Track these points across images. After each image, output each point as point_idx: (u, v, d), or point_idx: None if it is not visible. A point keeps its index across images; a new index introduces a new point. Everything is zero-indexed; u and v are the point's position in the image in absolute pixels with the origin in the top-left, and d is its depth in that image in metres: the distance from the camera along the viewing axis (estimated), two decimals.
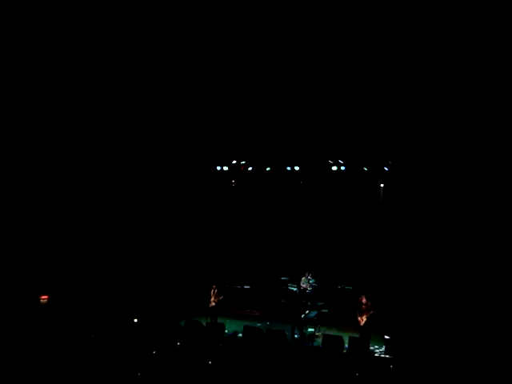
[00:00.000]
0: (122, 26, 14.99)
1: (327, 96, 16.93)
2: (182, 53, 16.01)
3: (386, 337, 14.56)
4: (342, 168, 18.66)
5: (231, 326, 16.40)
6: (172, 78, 16.88)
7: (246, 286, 18.98)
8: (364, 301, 14.62)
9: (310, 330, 16.13)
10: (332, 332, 15.60)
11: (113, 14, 14.66)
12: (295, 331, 15.72)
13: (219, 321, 16.42)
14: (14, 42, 15.04)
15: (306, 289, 18.03)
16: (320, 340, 14.88)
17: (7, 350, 12.46)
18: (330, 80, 16.39)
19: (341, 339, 14.40)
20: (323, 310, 17.54)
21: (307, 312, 16.47)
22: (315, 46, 15.53)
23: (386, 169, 18.15)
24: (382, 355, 14.12)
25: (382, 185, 18.74)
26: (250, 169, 19.77)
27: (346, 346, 14.21)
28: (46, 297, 16.28)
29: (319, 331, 16.04)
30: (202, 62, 16.34)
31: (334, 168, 18.67)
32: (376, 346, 14.81)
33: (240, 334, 15.62)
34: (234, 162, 19.73)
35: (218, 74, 16.70)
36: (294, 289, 18.23)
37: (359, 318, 14.68)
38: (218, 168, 19.99)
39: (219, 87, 17.07)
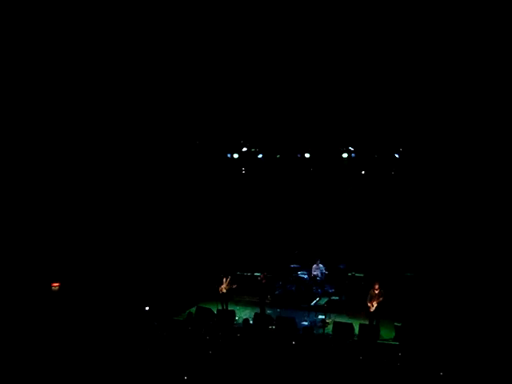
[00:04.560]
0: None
1: (337, 82, 16.82)
2: (191, 40, 15.95)
3: (396, 324, 14.57)
4: (352, 155, 18.55)
5: (242, 313, 16.46)
6: (181, 65, 16.84)
7: (256, 273, 18.98)
8: (377, 287, 14.66)
9: (320, 317, 16.15)
10: (342, 319, 15.62)
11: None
12: (305, 318, 15.78)
13: (230, 308, 16.52)
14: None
15: (316, 276, 18.06)
16: (330, 327, 14.93)
17: (20, 336, 12.61)
18: (341, 66, 16.27)
19: (351, 326, 14.44)
20: (334, 297, 17.55)
21: (317, 299, 16.52)
22: (325, 33, 15.41)
23: (396, 156, 18.02)
24: (392, 342, 14.13)
25: (392, 172, 18.63)
26: (260, 156, 19.71)
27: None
28: (57, 284, 16.42)
29: (329, 318, 16.05)
30: (213, 48, 16.29)
31: (345, 155, 18.56)
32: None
33: (251, 321, 15.68)
34: (245, 149, 19.67)
35: (228, 61, 16.63)
36: (305, 276, 18.25)
37: (369, 304, 14.73)
38: (229, 155, 19.93)
39: (229, 74, 17.01)
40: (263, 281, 16.71)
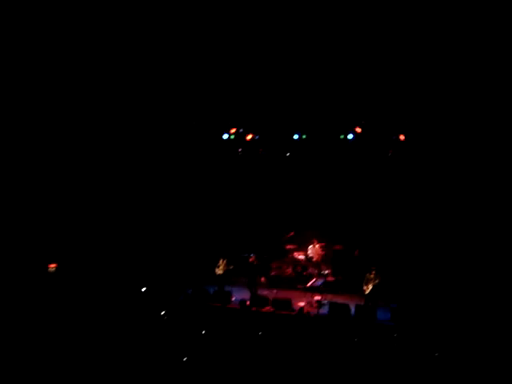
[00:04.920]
0: None
1: (336, 62, 16.68)
2: (186, 20, 15.84)
3: (392, 305, 14.66)
4: (350, 136, 18.43)
5: (238, 294, 16.50)
6: (176, 44, 16.70)
7: (252, 254, 19.01)
8: (373, 271, 14.70)
9: (316, 297, 16.20)
10: (338, 300, 15.69)
11: None
12: (301, 299, 15.86)
13: (226, 289, 16.55)
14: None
15: (313, 257, 18.11)
16: (326, 308, 14.99)
17: (17, 317, 12.64)
18: (340, 45, 16.12)
19: (347, 307, 14.51)
20: (330, 279, 17.61)
21: (314, 280, 16.58)
22: (323, 10, 15.26)
23: (393, 137, 17.96)
24: (387, 323, 14.22)
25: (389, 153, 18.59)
26: (256, 137, 19.62)
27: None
28: (54, 265, 16.42)
29: (325, 299, 16.11)
30: (209, 27, 16.15)
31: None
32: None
33: (247, 302, 15.76)
34: (241, 130, 19.57)
35: (224, 38, 16.47)
36: (301, 257, 18.29)
37: (365, 287, 14.78)
38: (225, 137, 19.79)
39: (224, 51, 16.86)
40: (254, 262, 16.73)
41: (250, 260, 16.78)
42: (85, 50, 16.32)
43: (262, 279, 18.07)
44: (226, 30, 16.15)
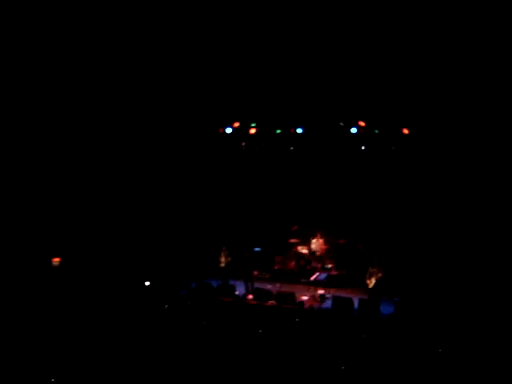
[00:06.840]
0: None
1: (340, 55, 16.61)
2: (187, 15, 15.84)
3: (396, 299, 14.63)
4: (354, 130, 18.40)
5: (242, 288, 16.50)
6: (179, 37, 16.69)
7: (256, 249, 19.00)
8: (376, 263, 14.67)
9: (319, 291, 16.21)
10: (342, 294, 15.67)
11: None
12: (305, 293, 15.86)
13: (230, 282, 16.54)
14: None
15: (316, 251, 18.08)
16: (330, 302, 14.98)
17: (21, 311, 12.69)
18: (344, 37, 16.05)
19: (350, 301, 14.49)
20: (333, 273, 17.59)
21: (317, 274, 16.56)
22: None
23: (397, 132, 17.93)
24: (391, 317, 14.20)
25: (393, 147, 18.56)
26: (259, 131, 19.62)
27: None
28: (57, 259, 16.44)
29: (329, 293, 16.10)
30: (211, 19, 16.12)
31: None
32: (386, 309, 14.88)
33: (250, 296, 15.76)
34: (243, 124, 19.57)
35: (226, 31, 16.43)
36: (304, 251, 18.27)
37: (368, 281, 14.75)
38: (229, 130, 19.76)
39: (227, 46, 16.82)
40: (247, 256, 16.70)
41: (244, 254, 16.76)
42: (81, 41, 16.36)
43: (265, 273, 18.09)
44: (229, 23, 16.11)
